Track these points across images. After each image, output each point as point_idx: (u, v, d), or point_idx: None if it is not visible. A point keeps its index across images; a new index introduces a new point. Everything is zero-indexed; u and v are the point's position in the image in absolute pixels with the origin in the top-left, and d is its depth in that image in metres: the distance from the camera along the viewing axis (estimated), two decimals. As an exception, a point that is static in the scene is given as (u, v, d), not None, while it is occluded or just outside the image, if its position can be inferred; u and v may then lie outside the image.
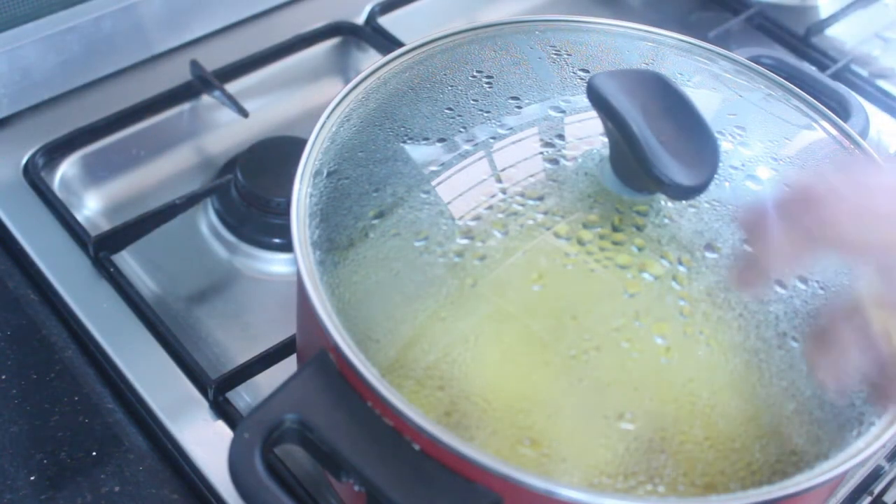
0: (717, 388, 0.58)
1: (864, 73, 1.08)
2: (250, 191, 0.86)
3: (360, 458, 0.49)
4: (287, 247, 0.86)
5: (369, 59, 1.04)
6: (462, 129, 0.65)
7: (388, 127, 0.66)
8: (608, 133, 0.58)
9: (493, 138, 0.64)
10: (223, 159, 0.94)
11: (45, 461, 0.68)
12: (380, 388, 0.50)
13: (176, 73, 0.96)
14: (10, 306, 0.78)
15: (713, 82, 0.70)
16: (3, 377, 0.73)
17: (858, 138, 0.65)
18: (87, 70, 0.94)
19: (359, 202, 0.63)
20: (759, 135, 0.65)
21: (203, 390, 0.73)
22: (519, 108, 0.67)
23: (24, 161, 0.87)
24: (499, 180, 0.67)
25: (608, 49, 0.74)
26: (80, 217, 0.84)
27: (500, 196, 0.67)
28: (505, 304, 0.59)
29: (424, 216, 0.61)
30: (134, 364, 0.74)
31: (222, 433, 0.72)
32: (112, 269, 0.80)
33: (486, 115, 0.66)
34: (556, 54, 0.71)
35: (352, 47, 1.05)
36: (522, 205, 0.62)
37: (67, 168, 0.89)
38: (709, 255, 0.57)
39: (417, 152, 0.66)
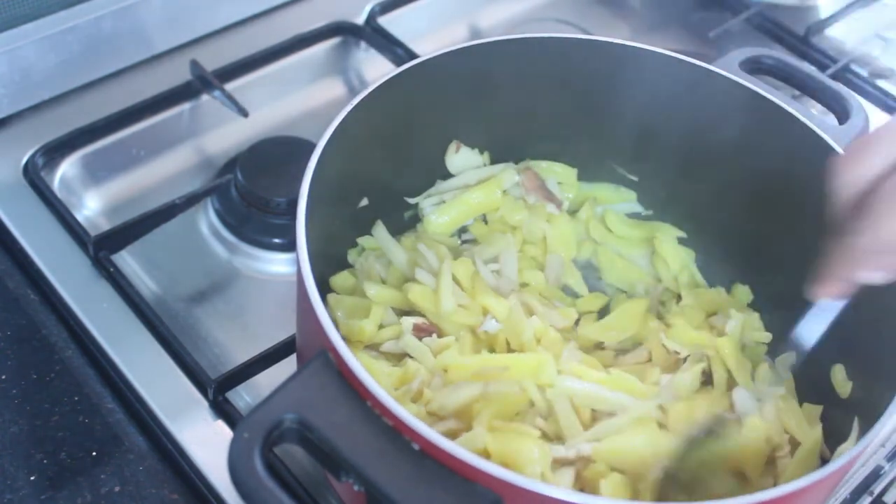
0: None
1: (864, 73, 1.08)
2: (250, 191, 0.86)
3: (359, 457, 0.49)
4: (287, 247, 0.86)
5: (369, 59, 1.04)
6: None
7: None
8: None
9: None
10: (223, 159, 0.94)
11: (45, 461, 0.68)
12: (379, 389, 0.50)
13: (176, 73, 0.96)
14: (10, 306, 0.78)
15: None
16: (4, 377, 0.73)
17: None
18: (87, 70, 0.94)
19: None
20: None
21: (203, 390, 0.73)
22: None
23: (24, 161, 0.87)
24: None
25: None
26: (80, 217, 0.84)
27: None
28: None
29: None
30: (134, 364, 0.74)
31: (222, 433, 0.72)
32: (112, 269, 0.80)
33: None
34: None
35: (352, 47, 1.04)
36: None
37: (67, 168, 0.89)
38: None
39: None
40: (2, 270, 0.80)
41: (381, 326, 0.70)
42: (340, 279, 0.73)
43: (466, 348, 0.68)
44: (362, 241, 0.75)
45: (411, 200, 0.79)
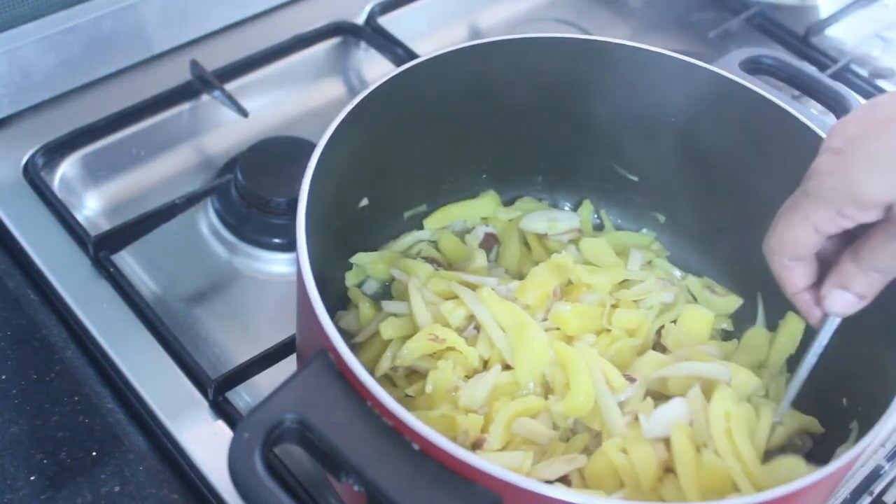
0: None
1: (864, 73, 1.08)
2: (250, 191, 0.86)
3: (359, 457, 0.49)
4: (287, 247, 0.86)
5: (369, 59, 1.04)
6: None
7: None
8: None
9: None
10: (223, 159, 0.94)
11: (45, 461, 0.68)
12: (379, 389, 0.50)
13: (176, 73, 0.96)
14: (10, 306, 0.78)
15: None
16: (4, 377, 0.73)
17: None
18: (87, 70, 0.94)
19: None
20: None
21: (203, 390, 0.73)
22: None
23: (24, 161, 0.87)
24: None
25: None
26: (80, 217, 0.84)
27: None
28: None
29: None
30: (134, 364, 0.74)
31: (222, 433, 0.72)
32: (112, 269, 0.80)
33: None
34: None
35: (352, 47, 1.05)
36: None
37: (67, 168, 0.89)
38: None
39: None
40: (2, 270, 0.80)
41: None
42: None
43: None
44: (356, 259, 0.75)
45: (406, 214, 0.79)
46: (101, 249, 0.81)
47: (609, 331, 0.70)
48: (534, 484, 0.47)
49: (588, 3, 1.17)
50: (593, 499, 0.48)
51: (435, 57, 0.69)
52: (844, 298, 0.57)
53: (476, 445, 0.62)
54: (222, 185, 0.87)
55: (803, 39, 1.10)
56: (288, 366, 0.74)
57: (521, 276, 0.74)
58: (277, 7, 1.05)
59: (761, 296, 0.76)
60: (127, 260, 0.84)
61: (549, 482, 0.60)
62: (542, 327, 0.68)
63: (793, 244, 0.56)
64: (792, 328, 0.72)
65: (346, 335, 0.73)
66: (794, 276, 0.58)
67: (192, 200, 0.85)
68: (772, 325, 0.75)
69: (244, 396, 0.75)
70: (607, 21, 1.15)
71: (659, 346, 0.72)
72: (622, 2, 1.19)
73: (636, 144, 0.78)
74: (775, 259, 0.58)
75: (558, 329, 0.69)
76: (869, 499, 0.73)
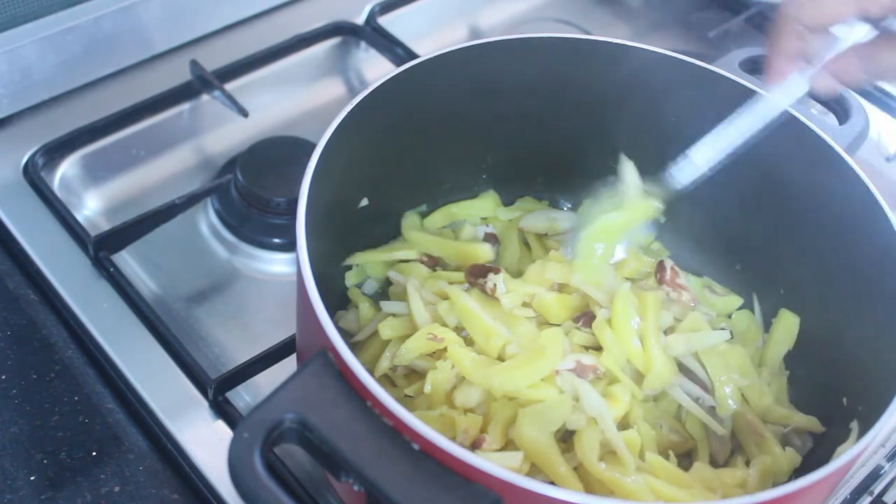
0: None
1: (863, 73, 1.07)
2: (250, 191, 0.86)
3: (359, 457, 0.49)
4: (287, 247, 0.86)
5: (369, 59, 1.04)
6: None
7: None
8: None
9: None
10: (223, 159, 0.94)
11: (45, 461, 0.68)
12: (379, 388, 0.50)
13: (176, 73, 0.96)
14: (10, 306, 0.78)
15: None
16: (3, 377, 0.73)
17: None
18: (87, 70, 0.94)
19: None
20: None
21: (203, 390, 0.73)
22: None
23: (24, 161, 0.87)
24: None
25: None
26: (80, 217, 0.84)
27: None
28: None
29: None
30: (134, 364, 0.74)
31: (222, 433, 0.72)
32: (112, 269, 0.80)
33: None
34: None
35: (352, 47, 1.05)
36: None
37: (67, 168, 0.89)
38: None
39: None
40: (2, 270, 0.80)
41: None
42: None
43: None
44: (355, 259, 0.75)
45: (405, 218, 0.79)
46: (101, 249, 0.81)
47: None
48: (533, 483, 0.47)
49: (588, 3, 1.17)
50: (593, 499, 0.48)
51: (435, 57, 0.70)
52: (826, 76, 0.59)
53: (475, 445, 0.62)
54: (222, 185, 0.87)
55: (803, 39, 1.10)
56: (288, 366, 0.74)
57: (520, 276, 0.74)
58: (277, 7, 1.05)
59: (756, 296, 0.76)
60: (127, 260, 0.84)
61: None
62: (534, 324, 0.68)
63: (828, 9, 0.55)
64: (787, 324, 0.72)
65: (346, 335, 0.73)
66: (794, 42, 0.58)
67: (192, 200, 0.85)
68: (768, 326, 0.75)
69: (244, 396, 0.75)
70: (607, 21, 1.15)
71: None
72: (622, 2, 1.19)
73: (636, 145, 0.78)
74: (797, 20, 0.57)
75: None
76: (869, 499, 0.73)
